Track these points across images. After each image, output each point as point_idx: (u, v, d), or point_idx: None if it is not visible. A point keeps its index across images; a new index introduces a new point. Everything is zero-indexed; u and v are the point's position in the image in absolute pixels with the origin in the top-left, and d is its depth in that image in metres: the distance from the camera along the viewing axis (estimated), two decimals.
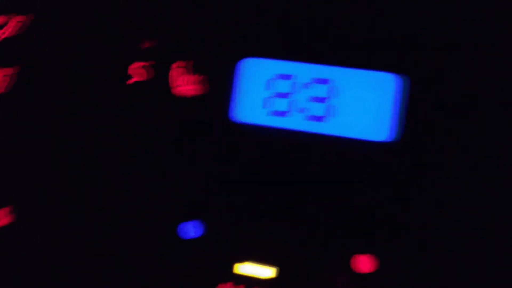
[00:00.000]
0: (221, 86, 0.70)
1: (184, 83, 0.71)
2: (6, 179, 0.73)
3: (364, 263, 0.63)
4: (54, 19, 0.75)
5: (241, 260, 0.67)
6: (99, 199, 0.71)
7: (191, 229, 0.68)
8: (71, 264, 0.70)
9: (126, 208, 0.70)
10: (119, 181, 0.71)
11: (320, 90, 0.68)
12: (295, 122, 0.68)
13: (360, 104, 0.67)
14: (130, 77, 0.72)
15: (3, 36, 0.75)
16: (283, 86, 0.69)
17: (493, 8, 0.65)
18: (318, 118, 0.68)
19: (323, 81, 0.68)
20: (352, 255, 0.64)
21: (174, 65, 0.71)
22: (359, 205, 0.65)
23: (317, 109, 0.68)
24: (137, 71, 0.72)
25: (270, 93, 0.69)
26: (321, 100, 0.68)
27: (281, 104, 0.69)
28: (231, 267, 0.67)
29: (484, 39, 0.65)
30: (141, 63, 0.72)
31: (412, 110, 0.66)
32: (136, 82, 0.72)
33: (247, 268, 0.67)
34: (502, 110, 0.63)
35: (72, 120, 0.73)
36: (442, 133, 0.64)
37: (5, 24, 0.76)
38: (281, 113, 0.69)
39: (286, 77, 0.69)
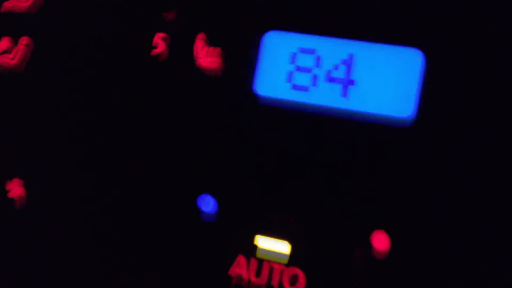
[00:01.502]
0: (244, 59, 0.70)
1: (207, 55, 0.71)
2: (20, 155, 0.75)
3: (379, 241, 0.63)
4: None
5: (261, 233, 0.67)
6: (119, 175, 0.72)
7: (210, 202, 0.69)
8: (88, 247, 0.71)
9: (145, 183, 0.71)
10: (139, 155, 0.71)
11: (343, 65, 0.67)
12: (318, 97, 0.68)
13: (383, 79, 0.66)
14: (154, 47, 0.72)
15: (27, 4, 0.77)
16: (306, 60, 0.68)
17: None
18: (341, 93, 0.67)
19: (346, 56, 0.67)
20: (369, 232, 0.63)
21: (197, 37, 0.71)
22: (378, 182, 0.65)
23: (340, 84, 0.67)
24: (161, 42, 0.72)
25: (293, 67, 0.69)
26: (344, 75, 0.67)
27: (303, 79, 0.68)
28: (252, 239, 0.67)
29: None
30: (165, 34, 0.72)
31: (433, 87, 0.64)
32: (159, 54, 0.72)
33: (266, 242, 0.67)
34: None
35: (93, 92, 0.74)
36: (461, 110, 0.63)
37: None
38: (304, 88, 0.68)
39: (309, 51, 0.68)
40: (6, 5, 0.78)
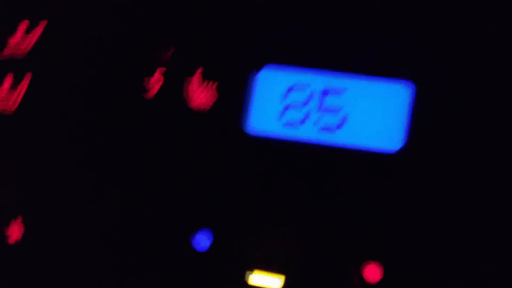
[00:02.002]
0: (235, 98, 0.71)
1: (199, 95, 0.72)
2: (17, 189, 0.76)
3: (371, 271, 0.62)
4: (68, 28, 0.78)
5: (252, 269, 0.67)
6: (112, 209, 0.72)
7: (204, 240, 0.69)
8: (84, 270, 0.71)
9: (139, 218, 0.71)
10: (133, 191, 0.72)
11: (334, 101, 0.69)
12: (309, 134, 0.69)
13: (373, 114, 0.67)
14: (147, 90, 0.74)
15: (33, 41, 0.79)
16: (297, 96, 0.70)
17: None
18: (331, 129, 0.68)
19: (337, 91, 0.69)
20: (360, 263, 0.63)
21: (189, 78, 0.73)
22: (368, 214, 0.65)
23: (330, 119, 0.68)
24: (153, 84, 0.74)
25: (284, 104, 0.70)
26: (334, 110, 0.68)
27: (295, 115, 0.70)
28: (243, 276, 0.67)
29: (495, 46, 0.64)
30: (157, 76, 0.74)
31: (422, 119, 0.65)
32: (152, 95, 0.74)
33: (258, 278, 0.67)
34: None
35: (87, 132, 0.75)
36: (450, 141, 0.64)
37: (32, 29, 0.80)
38: (295, 125, 0.69)
39: (301, 87, 0.70)
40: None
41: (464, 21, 0.66)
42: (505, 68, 0.64)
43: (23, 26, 0.79)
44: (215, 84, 0.72)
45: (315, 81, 0.70)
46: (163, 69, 0.74)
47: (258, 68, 0.71)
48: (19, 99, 0.78)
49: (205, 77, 0.72)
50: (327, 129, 0.68)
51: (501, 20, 0.65)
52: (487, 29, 0.66)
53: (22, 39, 0.79)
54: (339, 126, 0.68)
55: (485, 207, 0.62)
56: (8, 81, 0.79)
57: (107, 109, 0.74)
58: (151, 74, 0.74)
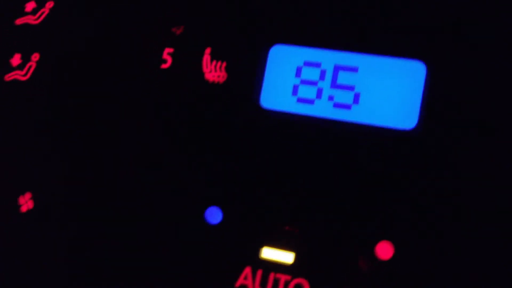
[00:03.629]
0: (251, 73, 0.71)
1: (215, 69, 0.72)
2: (25, 166, 0.76)
3: (383, 249, 0.63)
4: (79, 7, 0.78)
5: (266, 244, 0.68)
6: (126, 184, 0.73)
7: (218, 214, 0.69)
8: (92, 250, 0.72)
9: (152, 194, 0.72)
10: (145, 166, 0.72)
11: (348, 78, 0.68)
12: (323, 110, 0.69)
13: (387, 92, 0.67)
14: (164, 61, 0.74)
15: (38, 21, 0.79)
16: (311, 73, 0.70)
17: None
18: (345, 106, 0.68)
19: (351, 69, 0.68)
20: (372, 242, 0.64)
21: (205, 51, 0.73)
22: (381, 191, 0.65)
23: (345, 96, 0.68)
24: (169, 58, 0.73)
25: (299, 80, 0.70)
26: (348, 87, 0.68)
27: (309, 92, 0.69)
28: (257, 251, 0.68)
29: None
30: (172, 49, 0.74)
31: (435, 98, 0.65)
32: (168, 68, 0.74)
33: (271, 253, 0.67)
34: None
35: (101, 103, 0.75)
36: (462, 119, 0.64)
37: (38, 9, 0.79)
38: (309, 101, 0.69)
39: (315, 64, 0.70)
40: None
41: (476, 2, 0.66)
42: None
43: None
44: (228, 60, 0.72)
45: (329, 58, 0.69)
46: (179, 43, 0.73)
47: (271, 44, 0.71)
48: (32, 69, 0.78)
49: (219, 53, 0.72)
50: (341, 105, 0.68)
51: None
52: (498, 10, 0.65)
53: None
54: (353, 103, 0.68)
55: (497, 186, 0.62)
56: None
57: (124, 80, 0.75)
58: (166, 47, 0.74)
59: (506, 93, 0.64)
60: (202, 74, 0.73)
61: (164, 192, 0.71)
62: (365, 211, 0.65)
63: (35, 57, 0.78)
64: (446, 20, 0.67)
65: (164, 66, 0.74)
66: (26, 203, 0.75)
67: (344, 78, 0.69)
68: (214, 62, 0.72)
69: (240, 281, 0.67)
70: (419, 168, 0.65)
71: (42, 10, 0.79)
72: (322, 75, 0.69)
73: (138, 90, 0.74)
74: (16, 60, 0.79)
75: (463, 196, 0.63)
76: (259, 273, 0.67)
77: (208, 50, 0.73)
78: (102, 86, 0.76)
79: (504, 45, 0.65)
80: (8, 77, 0.79)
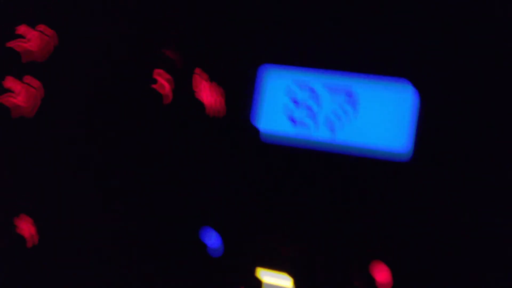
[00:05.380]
0: (242, 94, 0.72)
1: (205, 90, 0.73)
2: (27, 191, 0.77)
3: (379, 273, 0.64)
4: (74, 33, 0.78)
5: (262, 266, 0.69)
6: (120, 207, 0.73)
7: (213, 237, 0.70)
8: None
9: (149, 217, 0.73)
10: (141, 190, 0.73)
11: (341, 100, 0.69)
12: (316, 132, 0.70)
13: (380, 114, 0.68)
14: (154, 81, 0.74)
15: (25, 46, 0.79)
16: (304, 95, 0.70)
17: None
18: (338, 128, 0.69)
19: (344, 90, 0.69)
20: (368, 264, 0.65)
21: (195, 73, 0.73)
22: (376, 216, 0.66)
23: (339, 119, 0.69)
24: (160, 78, 0.74)
25: (293, 103, 0.71)
26: (341, 109, 0.69)
27: (303, 115, 0.70)
28: (253, 272, 0.69)
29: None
30: (162, 71, 0.74)
31: (428, 122, 0.66)
32: (157, 90, 0.74)
33: (268, 274, 0.68)
34: None
35: (96, 128, 0.76)
36: (456, 143, 0.65)
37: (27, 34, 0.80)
38: (302, 123, 0.70)
39: (306, 85, 0.70)
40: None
41: (466, 25, 0.67)
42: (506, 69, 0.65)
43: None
44: (222, 81, 0.72)
45: (321, 80, 0.70)
46: (169, 65, 0.74)
47: (262, 69, 0.72)
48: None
49: (211, 74, 0.73)
50: (334, 128, 0.69)
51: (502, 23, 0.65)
52: (489, 32, 0.66)
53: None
54: (347, 126, 0.69)
55: (492, 208, 0.63)
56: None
57: (120, 109, 0.76)
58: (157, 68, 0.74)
59: (499, 118, 0.65)
60: (193, 94, 0.73)
61: (158, 218, 0.72)
62: (360, 234, 0.66)
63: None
64: (443, 44, 0.67)
65: (166, 101, 0.75)
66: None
67: (338, 100, 0.69)
68: (205, 83, 0.73)
69: None
70: (415, 194, 0.66)
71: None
72: (316, 98, 0.70)
73: (141, 127, 0.75)
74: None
75: (457, 221, 0.64)
76: None
77: (199, 71, 0.73)
78: (103, 123, 0.76)
79: (496, 71, 0.66)
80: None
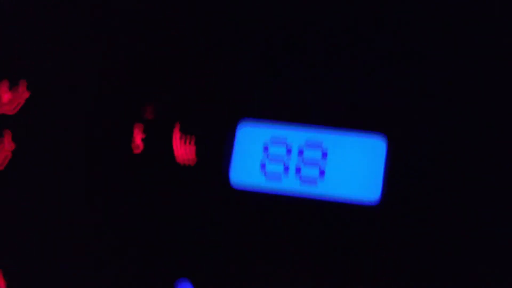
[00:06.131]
0: (217, 153, 0.73)
1: (183, 149, 0.74)
2: None
3: None
4: (51, 90, 0.79)
5: None
6: (95, 261, 0.74)
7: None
8: None
9: (122, 270, 0.73)
10: (117, 243, 0.74)
11: (314, 154, 0.71)
12: (291, 186, 0.71)
13: (351, 167, 0.70)
14: (136, 147, 0.76)
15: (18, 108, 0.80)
16: (278, 149, 0.72)
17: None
18: (312, 182, 0.71)
19: (316, 144, 0.71)
20: None
21: (173, 133, 0.75)
22: (349, 264, 0.68)
23: (311, 172, 0.71)
24: (140, 140, 0.75)
25: (266, 156, 0.72)
26: (314, 163, 0.71)
27: (276, 168, 0.72)
28: None
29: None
30: (142, 134, 0.75)
31: (397, 171, 0.69)
32: (141, 153, 0.75)
33: None
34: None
35: (76, 188, 0.76)
36: (426, 190, 0.68)
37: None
38: (277, 177, 0.72)
39: (281, 140, 0.72)
40: None
41: (435, 74, 0.70)
42: (473, 118, 0.68)
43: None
44: (195, 139, 0.74)
45: (294, 134, 0.72)
46: (142, 125, 0.75)
47: (238, 122, 0.73)
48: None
49: (185, 132, 0.74)
50: (308, 181, 0.71)
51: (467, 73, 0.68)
52: (455, 82, 0.69)
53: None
54: (320, 178, 0.71)
55: (464, 254, 0.66)
56: None
57: (93, 161, 0.76)
58: (134, 130, 0.75)
59: (467, 161, 0.68)
60: (174, 157, 0.74)
61: (131, 268, 0.73)
62: (334, 284, 0.68)
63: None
64: (409, 96, 0.70)
65: (137, 151, 0.75)
66: None
67: (309, 154, 0.72)
68: (183, 142, 0.74)
69: None
70: (384, 243, 0.68)
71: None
72: (289, 152, 0.72)
73: (112, 176, 0.75)
74: None
75: (428, 266, 0.66)
76: None
77: (177, 130, 0.75)
78: (75, 172, 0.77)
79: (462, 115, 0.69)
80: None
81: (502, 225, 0.66)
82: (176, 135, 0.74)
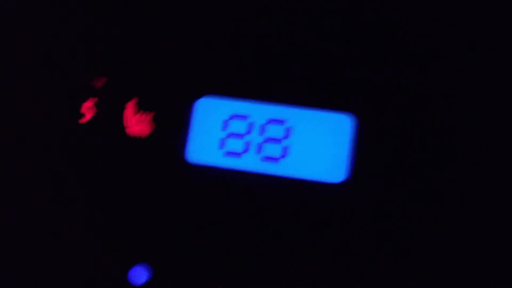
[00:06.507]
0: (176, 126, 0.69)
1: (138, 122, 0.69)
2: None
3: None
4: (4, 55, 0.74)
5: None
6: (48, 240, 0.68)
7: (142, 274, 0.65)
8: None
9: (75, 250, 0.67)
10: (68, 222, 0.68)
11: (276, 131, 0.67)
12: (251, 163, 0.67)
13: (316, 145, 0.67)
14: (82, 115, 0.70)
15: None
16: (239, 126, 0.68)
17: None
18: (273, 159, 0.67)
19: (279, 122, 0.68)
20: None
21: (127, 104, 0.70)
22: (310, 246, 0.64)
23: (273, 150, 0.67)
24: (90, 110, 0.70)
25: (226, 133, 0.68)
26: (276, 141, 0.67)
27: (236, 145, 0.68)
28: None
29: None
30: (93, 101, 0.70)
31: (363, 150, 0.65)
32: (88, 121, 0.70)
33: None
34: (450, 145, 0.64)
35: (22, 160, 0.71)
36: (392, 172, 0.65)
37: None
38: (237, 154, 0.68)
39: (242, 117, 0.68)
40: None
41: (403, 52, 0.67)
42: (443, 97, 0.66)
43: None
44: (153, 113, 0.69)
45: (257, 111, 0.68)
46: (97, 98, 0.70)
47: (198, 96, 0.69)
48: None
49: (143, 106, 0.70)
50: (269, 159, 0.67)
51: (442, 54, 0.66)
52: (426, 62, 0.67)
53: None
54: (282, 156, 0.67)
55: (429, 236, 0.63)
56: None
57: (41, 135, 0.70)
58: (85, 101, 0.70)
59: (435, 141, 0.65)
60: (123, 128, 0.69)
61: (87, 249, 0.67)
62: (295, 267, 0.64)
63: None
64: (376, 73, 0.67)
65: (82, 120, 0.70)
66: None
67: (272, 131, 0.68)
68: (137, 116, 0.69)
69: None
70: (347, 222, 0.64)
71: None
72: (250, 128, 0.68)
73: (56, 146, 0.70)
74: None
75: (394, 247, 0.63)
76: None
77: (131, 103, 0.70)
78: (16, 141, 0.71)
79: (432, 94, 0.66)
80: None
81: (467, 204, 0.63)
82: (130, 109, 0.70)
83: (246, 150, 0.68)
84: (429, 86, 0.66)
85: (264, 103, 0.68)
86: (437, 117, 0.65)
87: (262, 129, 0.68)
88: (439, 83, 0.66)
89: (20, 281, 0.67)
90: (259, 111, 0.68)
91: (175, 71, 0.70)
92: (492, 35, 0.66)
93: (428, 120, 0.65)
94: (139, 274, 0.65)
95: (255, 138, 0.68)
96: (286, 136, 0.67)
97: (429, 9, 0.68)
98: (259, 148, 0.67)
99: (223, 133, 0.68)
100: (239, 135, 0.68)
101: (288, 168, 0.66)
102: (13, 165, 0.70)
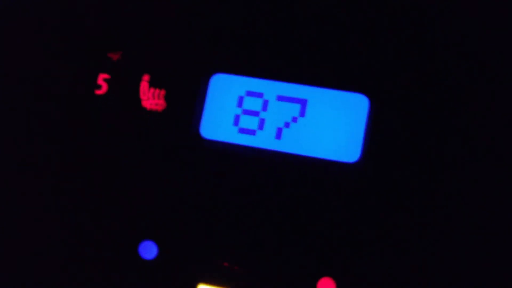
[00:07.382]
0: (191, 102, 0.68)
1: (153, 96, 0.69)
2: None
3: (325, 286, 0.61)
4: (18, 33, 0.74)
5: (204, 281, 0.64)
6: (56, 217, 0.68)
7: (152, 248, 0.66)
8: None
9: (86, 224, 0.68)
10: (81, 194, 0.69)
11: (291, 109, 0.67)
12: (265, 141, 0.67)
13: (330, 124, 0.66)
14: (99, 87, 0.71)
15: None
16: (253, 103, 0.68)
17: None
18: (288, 137, 0.66)
19: (294, 100, 0.67)
20: (314, 279, 0.62)
21: (143, 78, 0.70)
22: (321, 227, 0.63)
23: (287, 128, 0.67)
24: (104, 84, 0.70)
25: (240, 110, 0.68)
26: (291, 119, 0.67)
27: (250, 122, 0.68)
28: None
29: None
30: (108, 76, 0.70)
31: (377, 131, 0.64)
32: (105, 94, 0.70)
33: None
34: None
35: (38, 132, 0.71)
36: (405, 153, 0.64)
37: None
38: (251, 131, 0.67)
39: (257, 94, 0.68)
40: None
41: (417, 36, 0.66)
42: (454, 80, 0.65)
43: None
44: (168, 88, 0.69)
45: (272, 88, 0.68)
46: (118, 69, 0.70)
47: (213, 72, 0.69)
48: None
49: (158, 80, 0.69)
50: (283, 137, 0.67)
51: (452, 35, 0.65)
52: (440, 45, 0.66)
53: None
54: (296, 134, 0.66)
55: (440, 218, 0.62)
56: None
57: (57, 106, 0.71)
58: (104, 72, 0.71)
59: (448, 124, 0.64)
60: (139, 101, 0.69)
61: (97, 225, 0.67)
62: (307, 246, 0.63)
63: None
64: (391, 54, 0.66)
65: (98, 92, 0.70)
66: None
67: (287, 109, 0.67)
68: (152, 90, 0.69)
69: None
70: (361, 202, 0.63)
71: None
72: (265, 106, 0.68)
73: (72, 117, 0.70)
74: None
75: (405, 231, 0.62)
76: None
77: (146, 77, 0.70)
78: (34, 109, 0.71)
79: (447, 77, 0.65)
80: None
81: (481, 189, 0.62)
82: (145, 83, 0.70)
83: (260, 127, 0.67)
84: (445, 67, 0.65)
85: (279, 81, 0.68)
86: (452, 98, 0.64)
87: (277, 107, 0.67)
88: (454, 64, 0.65)
89: (36, 255, 0.68)
90: (274, 88, 0.68)
91: (191, 48, 0.70)
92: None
93: (444, 100, 0.64)
94: (149, 249, 0.65)
95: (270, 115, 0.67)
96: (301, 115, 0.67)
97: None
98: (274, 125, 0.67)
99: (238, 109, 0.68)
100: (253, 113, 0.68)
101: (303, 147, 0.66)
102: (30, 135, 0.71)
